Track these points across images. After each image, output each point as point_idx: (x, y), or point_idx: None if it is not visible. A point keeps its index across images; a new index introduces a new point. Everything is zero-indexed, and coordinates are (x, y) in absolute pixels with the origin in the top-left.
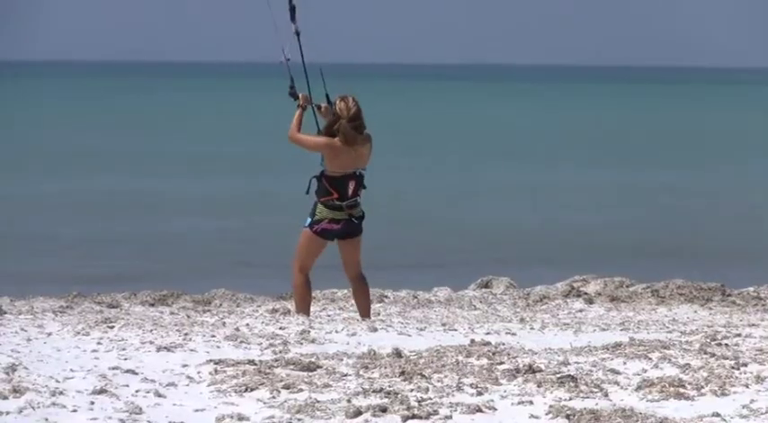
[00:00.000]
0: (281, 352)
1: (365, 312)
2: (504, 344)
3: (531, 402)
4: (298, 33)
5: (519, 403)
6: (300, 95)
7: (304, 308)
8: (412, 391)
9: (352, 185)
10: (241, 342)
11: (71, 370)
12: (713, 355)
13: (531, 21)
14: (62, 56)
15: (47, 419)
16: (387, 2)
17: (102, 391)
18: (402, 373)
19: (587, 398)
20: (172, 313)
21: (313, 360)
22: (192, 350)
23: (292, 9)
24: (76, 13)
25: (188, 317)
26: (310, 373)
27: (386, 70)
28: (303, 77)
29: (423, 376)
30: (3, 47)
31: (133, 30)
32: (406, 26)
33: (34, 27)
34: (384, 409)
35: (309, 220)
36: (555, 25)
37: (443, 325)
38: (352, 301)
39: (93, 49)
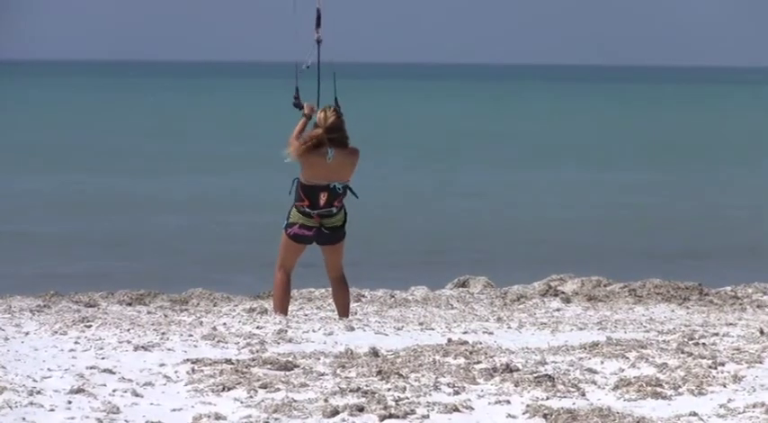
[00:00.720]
0: (258, 351)
1: (344, 313)
2: (481, 343)
3: (508, 402)
4: (319, 41)
5: (496, 403)
6: (305, 105)
7: (281, 307)
8: (389, 390)
9: (323, 197)
10: (218, 341)
11: (48, 369)
12: (690, 354)
13: (537, 21)
14: (57, 55)
15: (24, 419)
16: (397, 1)
17: (79, 391)
18: (379, 372)
19: (564, 397)
20: (149, 312)
21: (290, 359)
22: (169, 349)
23: (318, 16)
24: (72, 12)
25: (165, 316)
26: (287, 373)
27: (389, 70)
28: (316, 86)
29: (400, 376)
30: None
31: (129, 30)
32: (410, 26)
33: (29, 26)
34: (361, 409)
35: (285, 221)
36: (558, 25)
37: (420, 324)
38: (330, 301)
39: (87, 49)
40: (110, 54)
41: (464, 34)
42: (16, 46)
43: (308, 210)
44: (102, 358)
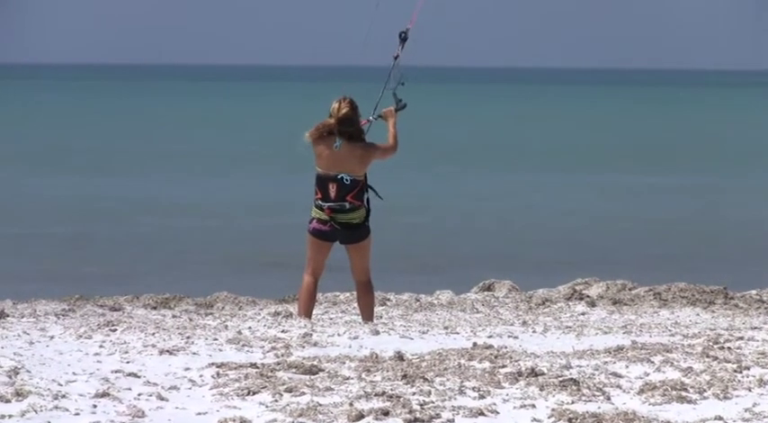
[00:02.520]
0: (283, 355)
1: (368, 317)
2: (506, 347)
3: (533, 406)
4: (396, 58)
5: (521, 407)
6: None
7: (306, 311)
8: (414, 394)
9: (332, 188)
10: (243, 345)
11: (73, 373)
12: (716, 358)
13: (540, 24)
14: (53, 59)
15: None
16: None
17: (104, 395)
18: (404, 376)
19: (590, 401)
20: (174, 316)
21: (315, 363)
22: (194, 353)
23: (405, 38)
24: (69, 15)
25: (190, 320)
26: (312, 377)
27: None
28: (378, 98)
29: (425, 379)
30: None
31: (129, 33)
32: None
33: (26, 29)
34: (386, 413)
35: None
36: (563, 29)
37: (446, 328)
38: (355, 304)
39: (84, 53)
40: (107, 57)
41: (465, 38)
42: (17, 49)
43: (320, 202)
44: (128, 362)
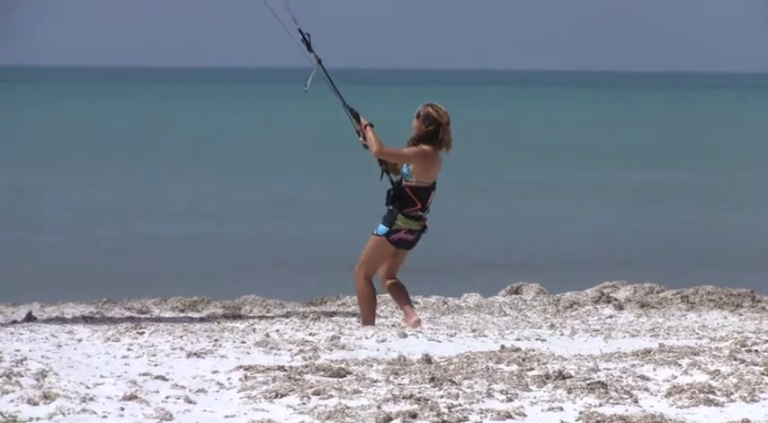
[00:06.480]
0: (311, 358)
1: (408, 301)
2: (534, 350)
3: (561, 408)
4: (320, 61)
5: (549, 409)
6: (361, 123)
7: (370, 314)
8: (442, 397)
9: (432, 196)
10: (271, 348)
11: (101, 376)
12: (743, 361)
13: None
14: (50, 62)
15: None
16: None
17: (132, 398)
18: (432, 379)
19: (617, 404)
20: (202, 319)
21: (343, 366)
22: (222, 356)
23: (307, 41)
24: (70, 18)
25: (218, 323)
26: (340, 380)
27: (395, 75)
28: (335, 101)
29: (453, 382)
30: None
31: (127, 35)
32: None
33: (35, 32)
34: (414, 416)
35: (386, 228)
36: (568, 33)
37: (473, 331)
38: (384, 307)
39: (80, 55)
40: (103, 60)
41: (470, 41)
42: (21, 52)
43: (419, 213)
44: (155, 365)
